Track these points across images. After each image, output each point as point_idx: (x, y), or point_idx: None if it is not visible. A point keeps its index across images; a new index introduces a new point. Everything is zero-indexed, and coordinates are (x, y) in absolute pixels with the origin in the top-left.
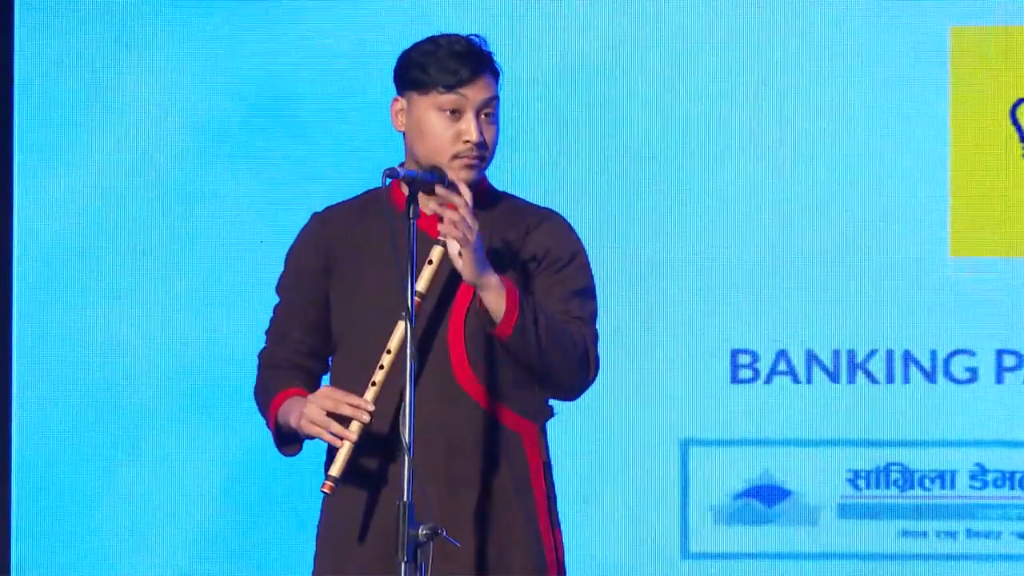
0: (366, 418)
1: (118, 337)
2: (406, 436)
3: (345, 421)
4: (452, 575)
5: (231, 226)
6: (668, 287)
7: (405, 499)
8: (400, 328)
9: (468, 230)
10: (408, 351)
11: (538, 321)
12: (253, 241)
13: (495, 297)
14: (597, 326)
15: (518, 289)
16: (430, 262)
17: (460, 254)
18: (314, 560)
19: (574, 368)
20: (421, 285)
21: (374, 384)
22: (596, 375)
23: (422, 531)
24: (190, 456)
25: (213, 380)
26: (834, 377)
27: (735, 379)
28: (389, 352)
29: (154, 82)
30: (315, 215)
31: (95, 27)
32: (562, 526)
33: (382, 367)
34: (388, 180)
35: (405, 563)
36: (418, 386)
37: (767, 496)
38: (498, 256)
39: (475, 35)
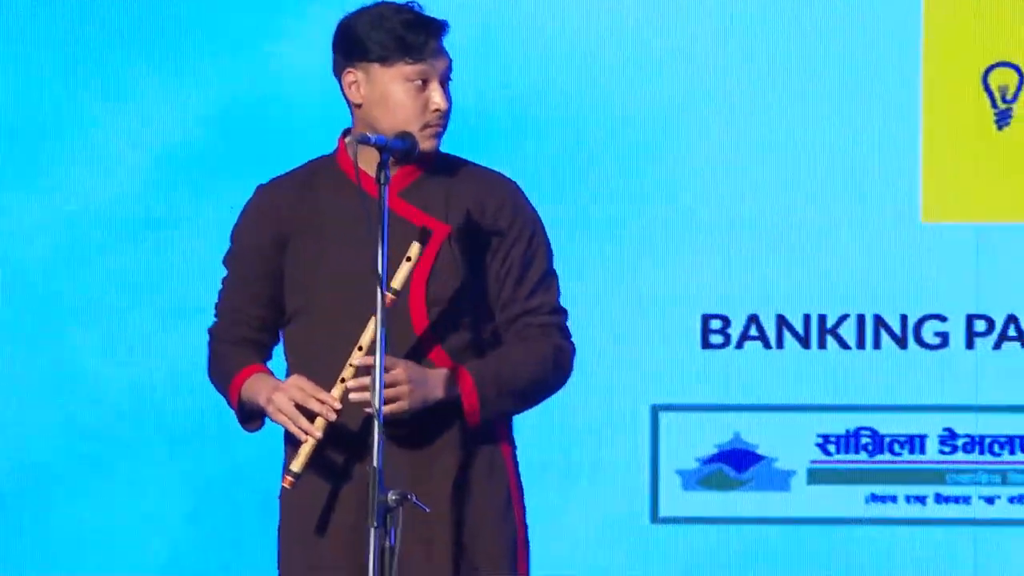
0: (332, 416)
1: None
2: (376, 402)
3: (313, 414)
4: (426, 542)
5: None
6: (639, 252)
7: (376, 464)
8: (371, 325)
9: (407, 396)
10: (379, 317)
11: (501, 390)
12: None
13: (452, 400)
14: (562, 295)
15: (470, 376)
16: (408, 259)
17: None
18: (278, 557)
19: (553, 387)
20: (397, 283)
21: (343, 381)
22: (574, 353)
23: (391, 497)
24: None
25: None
26: (805, 342)
27: (706, 344)
28: (360, 349)
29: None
30: (261, 187)
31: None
32: (531, 491)
33: (352, 365)
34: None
35: (375, 528)
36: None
37: (737, 461)
38: (460, 225)
39: (412, 1)
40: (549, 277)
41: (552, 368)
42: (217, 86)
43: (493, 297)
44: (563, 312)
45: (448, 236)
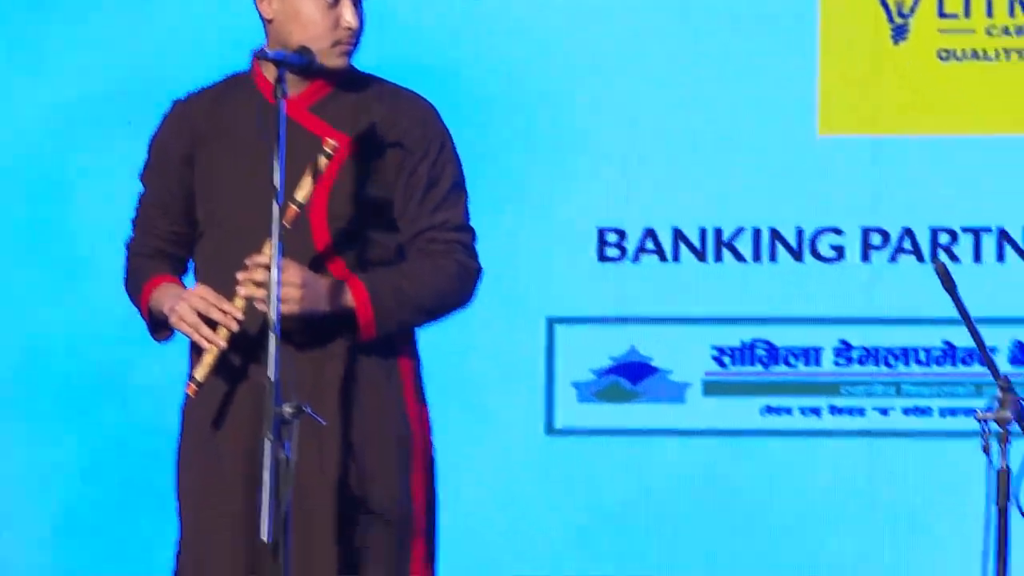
0: (234, 326)
1: None
2: (272, 313)
3: (217, 324)
4: (319, 451)
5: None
6: (535, 164)
7: (272, 376)
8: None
9: (298, 300)
10: (275, 233)
11: (399, 304)
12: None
13: (347, 310)
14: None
15: (365, 288)
16: (312, 173)
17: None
18: (176, 469)
19: (454, 304)
20: (301, 195)
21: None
22: (480, 275)
23: (287, 409)
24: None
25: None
26: (701, 255)
27: (602, 257)
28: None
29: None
30: (176, 101)
31: None
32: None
33: (247, 266)
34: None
35: (271, 441)
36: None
37: (632, 373)
38: (368, 140)
39: None
40: (457, 195)
41: (454, 285)
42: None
43: (399, 212)
44: (470, 231)
45: (354, 150)
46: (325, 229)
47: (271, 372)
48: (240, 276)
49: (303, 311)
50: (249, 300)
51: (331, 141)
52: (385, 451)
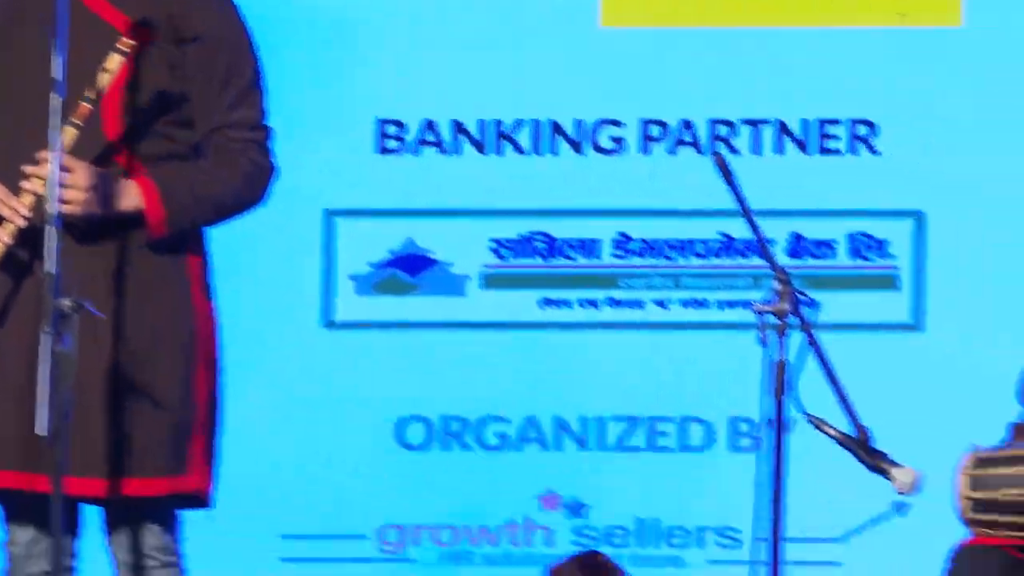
0: (21, 223)
1: None
2: (51, 207)
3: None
4: (98, 345)
5: None
6: (313, 55)
7: (51, 270)
8: (66, 131)
9: (82, 203)
10: (53, 126)
11: (190, 203)
12: None
13: (136, 211)
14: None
15: (156, 188)
16: (105, 70)
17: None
18: None
19: (246, 204)
20: (93, 93)
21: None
22: (274, 174)
23: (66, 302)
24: None
25: None
26: (481, 147)
27: (381, 149)
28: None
29: None
30: None
31: None
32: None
33: (40, 178)
34: None
35: (49, 334)
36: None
37: (411, 266)
38: (164, 31)
39: None
40: (254, 92)
41: (248, 183)
42: None
43: (195, 108)
44: (265, 129)
45: (151, 43)
46: (118, 123)
47: (50, 265)
48: (28, 171)
49: (86, 212)
50: (37, 196)
51: (126, 40)
52: (171, 347)
